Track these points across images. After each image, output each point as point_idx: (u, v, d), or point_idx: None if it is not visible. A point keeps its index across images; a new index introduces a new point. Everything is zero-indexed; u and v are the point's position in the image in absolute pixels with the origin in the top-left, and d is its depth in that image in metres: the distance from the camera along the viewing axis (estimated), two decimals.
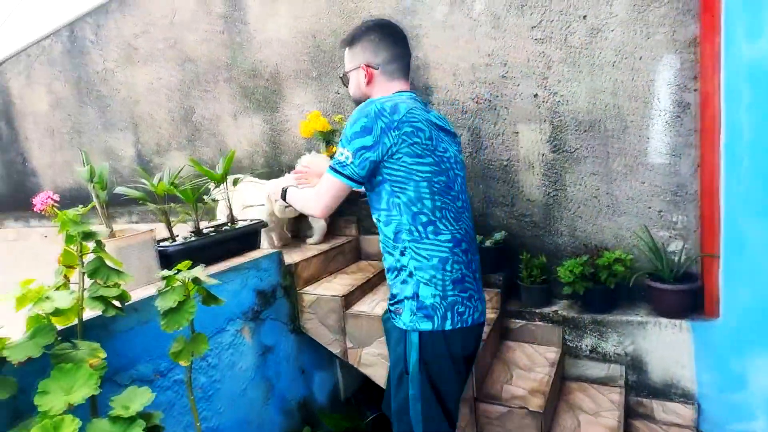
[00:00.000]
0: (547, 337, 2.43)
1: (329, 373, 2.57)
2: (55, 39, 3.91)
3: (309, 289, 2.31)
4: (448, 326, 1.51)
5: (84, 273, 1.40)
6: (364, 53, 1.60)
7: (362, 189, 1.57)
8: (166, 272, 1.49)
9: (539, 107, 2.42)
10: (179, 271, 1.50)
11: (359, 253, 2.79)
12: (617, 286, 2.28)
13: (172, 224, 2.04)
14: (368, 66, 1.58)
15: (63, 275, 1.42)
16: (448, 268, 1.50)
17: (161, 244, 1.97)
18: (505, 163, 2.54)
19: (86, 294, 1.38)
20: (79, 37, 3.80)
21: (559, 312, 2.41)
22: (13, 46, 4.17)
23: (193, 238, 2.05)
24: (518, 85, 2.44)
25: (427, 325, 1.52)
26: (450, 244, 1.50)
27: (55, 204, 1.52)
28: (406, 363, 1.57)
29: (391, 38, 1.60)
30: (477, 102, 2.54)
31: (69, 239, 1.44)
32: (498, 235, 2.52)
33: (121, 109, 3.74)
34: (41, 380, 1.17)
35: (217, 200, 2.27)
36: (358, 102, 1.59)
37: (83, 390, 1.15)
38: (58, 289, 1.34)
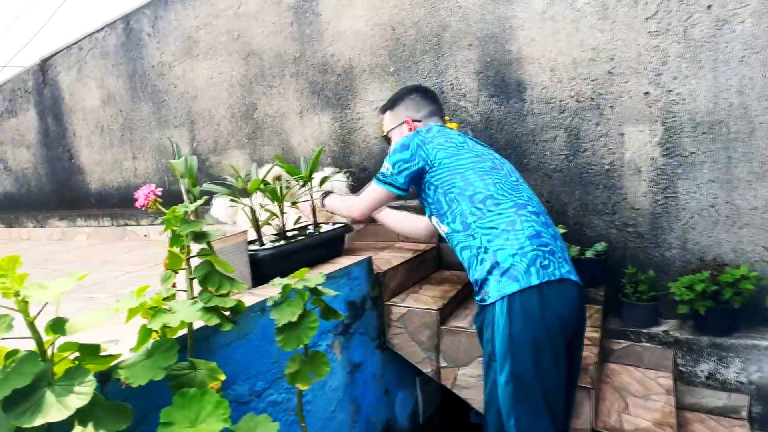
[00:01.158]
0: (656, 361, 2.20)
1: (410, 393, 2.38)
2: (109, 31, 3.82)
3: (397, 300, 2.13)
4: (534, 280, 1.39)
5: (193, 278, 1.23)
6: (407, 111, 1.85)
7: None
8: (282, 280, 1.32)
9: (650, 106, 2.21)
10: (296, 279, 1.32)
11: (440, 262, 2.59)
12: (740, 307, 2.05)
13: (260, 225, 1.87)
14: (413, 120, 1.83)
15: (171, 282, 1.25)
16: (519, 227, 1.47)
17: (250, 248, 1.80)
18: (607, 167, 2.34)
19: (198, 303, 1.21)
20: (135, 29, 3.69)
21: (671, 333, 2.19)
22: (64, 38, 4.08)
23: (281, 242, 1.88)
24: (627, 81, 2.24)
25: (512, 287, 1.40)
26: (514, 208, 1.51)
27: (158, 199, 1.36)
28: (493, 341, 1.44)
29: (429, 98, 1.87)
30: (577, 100, 2.34)
31: (175, 240, 1.27)
32: (599, 246, 2.31)
33: (177, 104, 3.61)
34: (160, 407, 1.00)
35: (299, 201, 2.10)
36: None
37: (212, 422, 0.98)
38: (168, 298, 1.18)
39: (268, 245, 1.85)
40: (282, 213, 1.98)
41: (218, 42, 3.33)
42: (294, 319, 1.23)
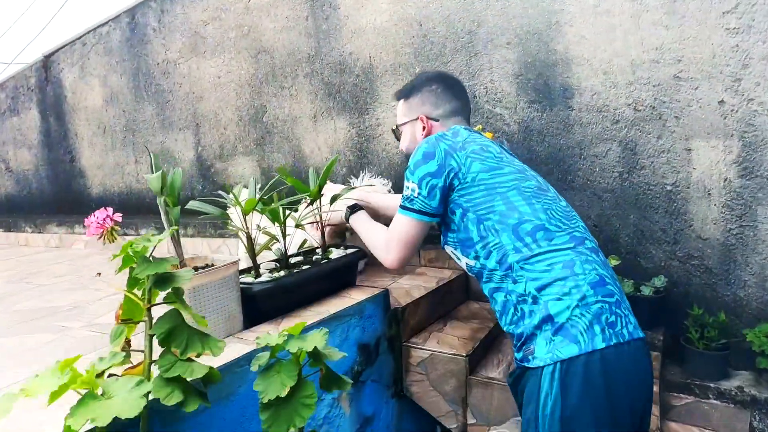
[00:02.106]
0: (727, 422, 1.85)
1: None
2: (113, 25, 3.59)
3: (418, 341, 1.82)
4: (599, 342, 1.10)
5: (153, 337, 0.94)
6: (422, 105, 1.54)
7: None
8: (267, 336, 1.02)
9: (725, 118, 1.87)
10: (289, 335, 1.02)
11: (467, 290, 2.28)
12: None
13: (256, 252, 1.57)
14: (428, 118, 1.53)
15: (124, 339, 0.96)
16: (578, 270, 1.18)
17: (242, 280, 1.51)
18: (669, 188, 2.00)
19: (154, 370, 0.92)
20: (140, 23, 3.45)
21: (746, 390, 1.84)
22: (70, 34, 3.88)
23: (282, 273, 1.59)
24: (696, 88, 1.90)
25: (570, 349, 1.10)
26: (571, 244, 1.22)
27: (116, 228, 1.06)
28: (537, 421, 1.13)
29: (453, 92, 1.54)
30: (635, 109, 2.01)
31: (133, 283, 0.98)
32: (658, 282, 1.97)
33: (182, 105, 3.36)
34: None
35: (306, 223, 1.80)
36: (410, 156, 1.46)
37: None
38: (101, 375, 0.88)
39: (265, 277, 1.56)
40: (284, 235, 1.69)
41: (226, 38, 3.06)
42: (283, 393, 0.93)
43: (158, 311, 0.96)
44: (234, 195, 1.51)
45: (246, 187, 1.75)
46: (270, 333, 1.01)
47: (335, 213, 1.78)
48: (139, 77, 3.54)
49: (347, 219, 1.72)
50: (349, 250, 1.85)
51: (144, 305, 0.96)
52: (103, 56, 3.72)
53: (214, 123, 3.23)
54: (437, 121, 1.52)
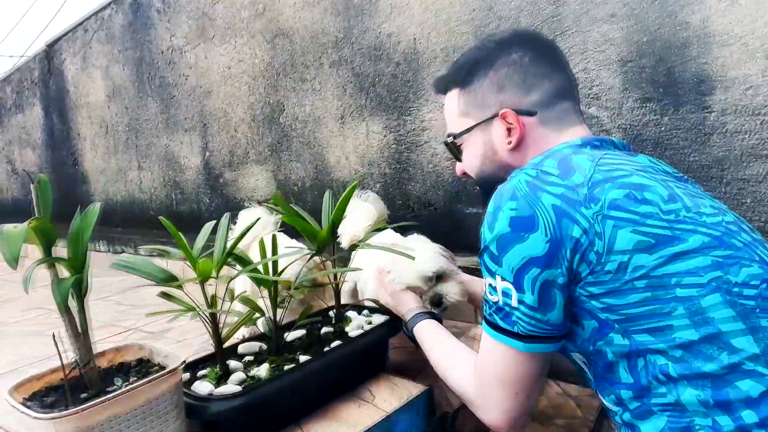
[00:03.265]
0: None
1: None
2: (116, 8, 3.13)
3: None
4: None
5: None
6: (500, 91, 0.92)
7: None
8: None
9: None
10: None
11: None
12: None
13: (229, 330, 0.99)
14: (517, 112, 0.90)
15: None
16: None
17: (198, 389, 0.93)
18: None
19: None
20: (143, 4, 2.97)
21: None
22: (71, 19, 3.46)
23: (263, 372, 1.00)
24: None
25: None
26: None
27: None
28: None
29: (549, 59, 0.93)
30: None
31: None
32: None
33: (188, 102, 2.84)
34: None
35: (322, 285, 1.22)
36: (486, 182, 0.96)
37: None
38: None
39: (236, 378, 0.97)
40: (275, 303, 1.10)
41: (238, 19, 2.52)
42: None
43: None
44: (186, 253, 0.94)
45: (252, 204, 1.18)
46: None
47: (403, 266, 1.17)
48: (143, 68, 3.05)
49: (409, 331, 1.10)
50: (375, 318, 1.26)
51: None
52: (105, 44, 3.27)
53: (223, 123, 2.69)
54: (533, 115, 0.90)
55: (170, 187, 3.04)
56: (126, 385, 0.80)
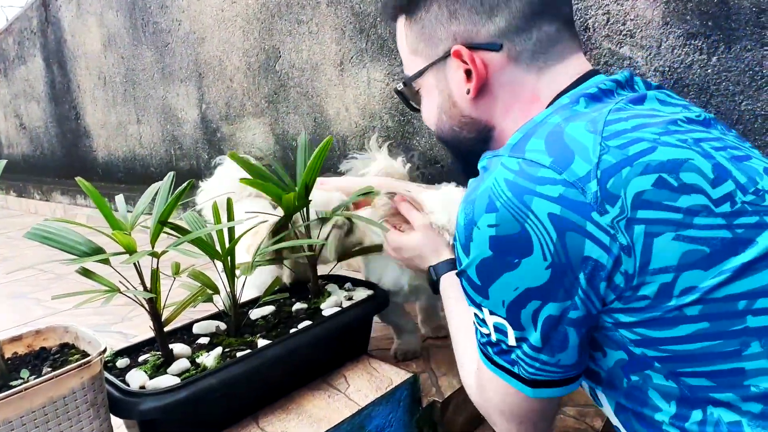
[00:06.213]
0: None
1: None
2: None
3: None
4: None
5: None
6: (452, 19, 0.66)
7: None
8: None
9: None
10: None
11: None
12: None
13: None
14: (472, 48, 0.65)
15: None
16: None
17: (123, 383, 0.81)
18: None
19: None
20: None
21: None
22: None
23: (209, 363, 0.86)
24: None
25: None
26: None
27: None
28: None
29: None
30: None
31: None
32: None
33: (183, 50, 2.67)
34: None
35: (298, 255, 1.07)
36: (448, 143, 0.77)
37: None
38: None
39: (177, 368, 0.84)
40: (232, 277, 0.96)
41: None
42: None
43: None
44: (110, 217, 0.79)
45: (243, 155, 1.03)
46: None
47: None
48: (136, 13, 2.87)
49: (434, 282, 0.89)
50: (357, 293, 1.11)
51: None
52: None
53: (218, 72, 2.52)
54: (497, 50, 0.65)
55: (169, 142, 2.91)
56: (23, 383, 0.68)
